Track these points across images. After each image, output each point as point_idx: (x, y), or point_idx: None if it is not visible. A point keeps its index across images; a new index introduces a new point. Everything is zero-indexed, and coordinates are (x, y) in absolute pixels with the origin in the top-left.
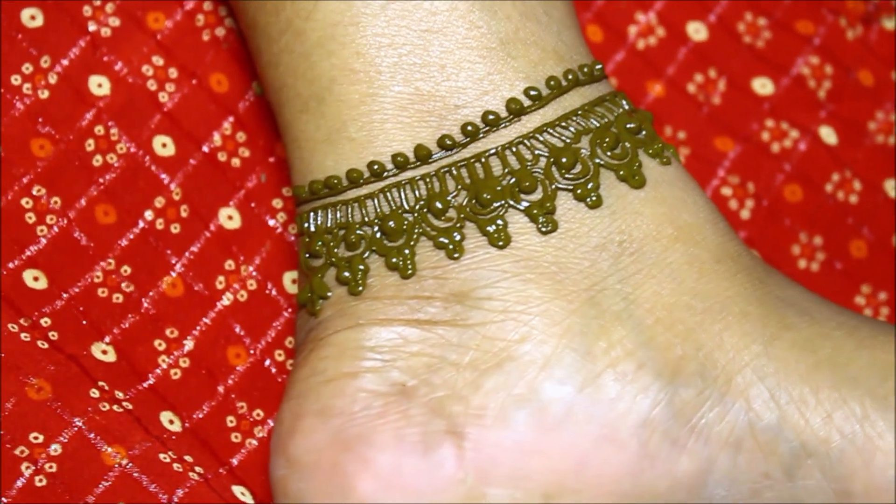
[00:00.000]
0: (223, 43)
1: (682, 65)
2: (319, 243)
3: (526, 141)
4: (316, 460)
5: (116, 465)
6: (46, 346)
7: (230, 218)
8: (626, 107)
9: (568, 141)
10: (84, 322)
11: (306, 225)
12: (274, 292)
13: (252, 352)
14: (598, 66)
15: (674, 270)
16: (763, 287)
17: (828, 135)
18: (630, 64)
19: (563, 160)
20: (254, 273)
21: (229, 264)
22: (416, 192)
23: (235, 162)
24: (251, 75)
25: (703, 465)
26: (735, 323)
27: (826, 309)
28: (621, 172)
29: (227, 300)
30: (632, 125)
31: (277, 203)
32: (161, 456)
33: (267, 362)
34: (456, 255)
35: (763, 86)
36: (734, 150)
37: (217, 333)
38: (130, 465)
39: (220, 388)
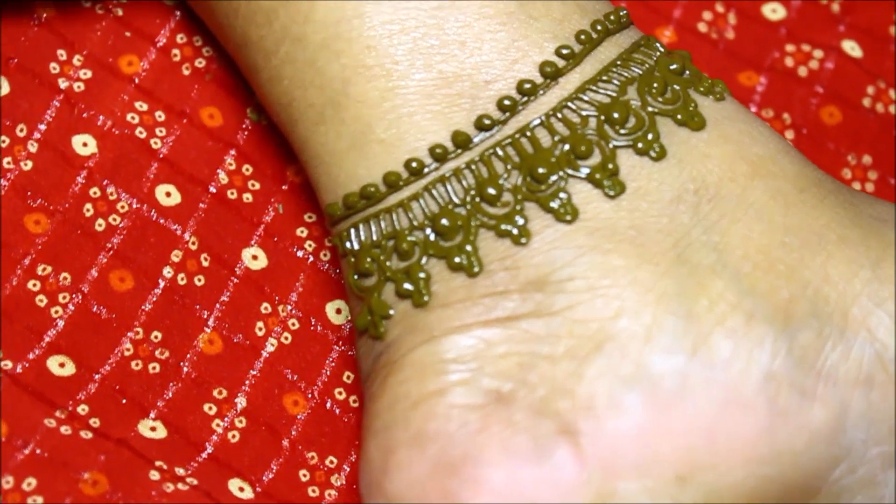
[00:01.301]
0: (206, 74)
1: (687, 5)
2: (368, 259)
3: (570, 103)
4: (421, 493)
5: None
6: (91, 435)
7: (255, 258)
8: (662, 49)
9: (614, 94)
10: (124, 401)
11: (348, 244)
12: (320, 328)
13: (310, 396)
14: (624, 12)
15: (759, 209)
16: (854, 208)
17: (852, 48)
18: (635, 14)
19: (615, 115)
20: (294, 311)
21: (265, 307)
22: (464, 183)
23: (247, 197)
24: (244, 102)
25: (837, 411)
26: (837, 252)
27: None
28: (679, 116)
29: (271, 346)
30: (675, 66)
31: (302, 232)
32: None
33: (328, 404)
34: (523, 241)
35: (774, 11)
36: (761, 83)
37: (269, 384)
38: None
39: (285, 442)
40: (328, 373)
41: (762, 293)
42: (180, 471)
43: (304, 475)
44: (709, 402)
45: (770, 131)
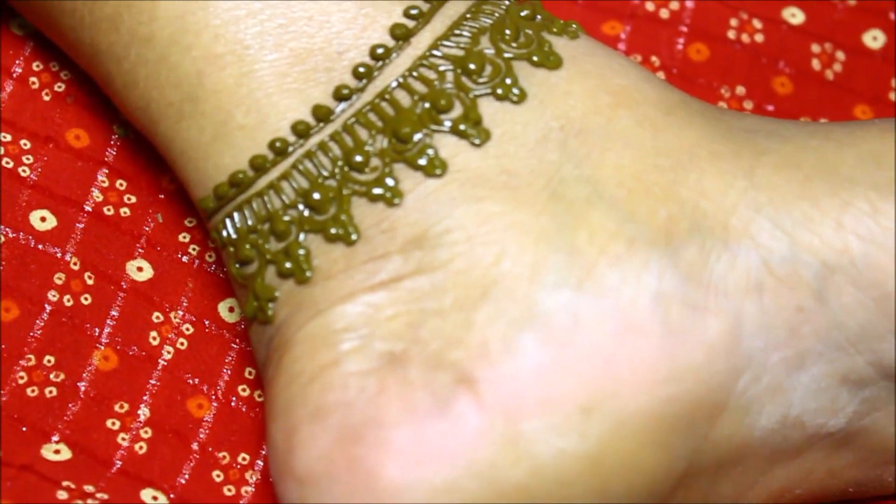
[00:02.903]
0: (67, 97)
1: None
2: (247, 246)
3: (425, 61)
4: (328, 466)
5: None
6: None
7: (140, 269)
8: None
9: (467, 46)
10: (24, 428)
11: (225, 234)
12: (214, 328)
13: (214, 397)
14: None
15: (627, 137)
16: (723, 123)
17: None
18: None
19: (471, 66)
20: (186, 316)
21: (157, 316)
22: (331, 154)
23: (125, 211)
24: (109, 119)
25: (731, 321)
26: (709, 167)
27: (791, 125)
28: (535, 58)
29: (168, 354)
30: (525, 12)
31: (185, 237)
32: None
33: (233, 402)
34: (396, 202)
35: None
36: (625, 31)
37: (170, 391)
38: None
39: (195, 446)
40: (229, 372)
41: (641, 217)
42: (89, 488)
43: (218, 476)
44: (602, 332)
45: (630, 62)
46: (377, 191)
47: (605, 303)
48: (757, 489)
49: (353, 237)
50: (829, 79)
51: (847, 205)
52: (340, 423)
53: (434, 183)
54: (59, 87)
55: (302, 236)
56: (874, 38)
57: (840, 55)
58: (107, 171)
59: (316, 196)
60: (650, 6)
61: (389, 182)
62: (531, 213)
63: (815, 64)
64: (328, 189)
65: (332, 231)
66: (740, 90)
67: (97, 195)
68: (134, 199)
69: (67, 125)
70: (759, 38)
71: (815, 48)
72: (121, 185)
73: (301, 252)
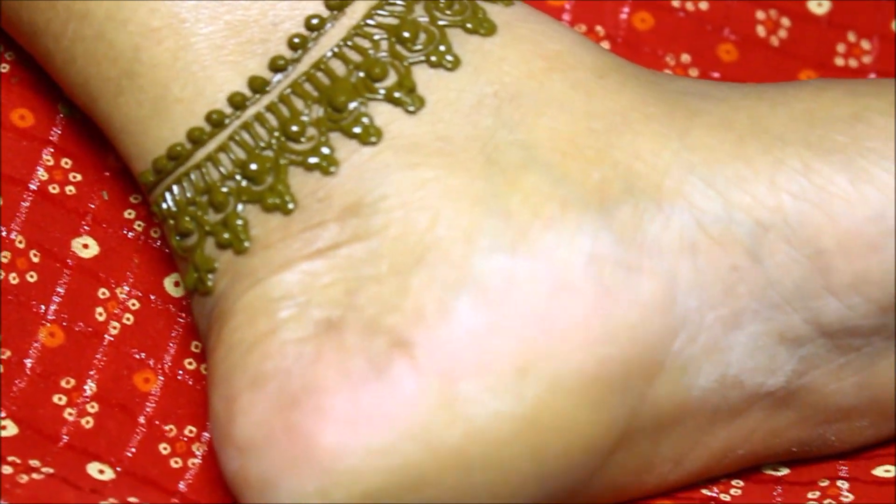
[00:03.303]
0: (12, 78)
1: None
2: (187, 218)
3: (359, 31)
4: (267, 433)
5: None
6: None
7: (86, 246)
8: None
9: (402, 14)
10: None
11: (165, 206)
12: (160, 303)
13: (160, 370)
14: None
15: (561, 101)
16: (656, 86)
17: None
18: None
19: (406, 34)
20: (132, 292)
21: (103, 292)
22: (267, 125)
23: (70, 189)
24: (54, 98)
25: (666, 281)
26: (643, 129)
27: (724, 87)
28: (469, 25)
29: (114, 329)
30: None
31: (130, 214)
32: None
33: (180, 375)
34: (332, 170)
35: None
36: (569, 1)
37: (117, 366)
38: None
39: (142, 419)
40: (175, 346)
41: (574, 179)
42: (35, 462)
43: (165, 448)
44: (537, 294)
45: (564, 27)
46: (313, 160)
47: (539, 265)
48: (699, 449)
49: (290, 206)
50: (774, 45)
51: (779, 163)
52: (278, 390)
53: (369, 150)
54: (4, 67)
55: (240, 207)
56: (819, 5)
57: (785, 21)
58: (52, 150)
59: (253, 167)
60: None
61: (325, 151)
62: (466, 179)
63: (761, 31)
64: (265, 159)
65: (270, 201)
66: (685, 58)
67: (42, 174)
68: (79, 178)
69: (12, 106)
70: (703, 6)
71: (760, 15)
72: (66, 163)
73: (239, 223)
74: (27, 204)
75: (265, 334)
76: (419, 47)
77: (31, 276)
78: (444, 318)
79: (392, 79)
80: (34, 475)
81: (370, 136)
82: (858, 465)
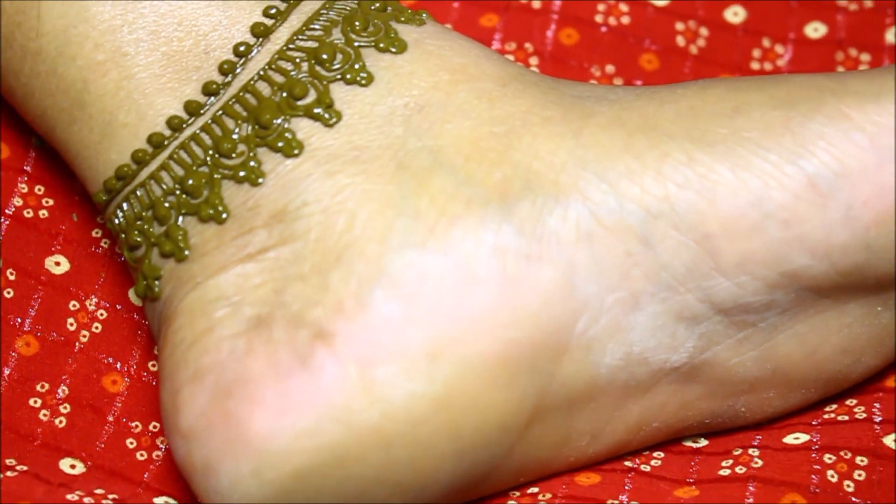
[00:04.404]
0: None
1: None
2: (135, 232)
3: (282, 55)
4: (206, 422)
5: None
6: None
7: (57, 264)
8: None
9: (320, 38)
10: None
11: (117, 222)
12: (125, 312)
13: (126, 373)
14: None
15: (465, 109)
16: (556, 92)
17: None
18: None
19: (324, 56)
20: (100, 303)
21: (74, 304)
22: (202, 144)
23: (43, 213)
24: (28, 132)
25: (564, 269)
26: (541, 130)
27: (620, 90)
28: (381, 45)
29: (84, 337)
30: (376, 5)
31: (97, 233)
32: (69, 497)
33: (144, 376)
34: (260, 181)
35: None
36: (500, 21)
37: (87, 370)
38: None
39: (110, 418)
40: (139, 350)
41: (477, 180)
42: (11, 461)
43: (131, 443)
44: (445, 285)
45: (471, 42)
46: (242, 173)
47: (447, 258)
48: (614, 423)
49: (224, 216)
50: (693, 53)
51: (665, 156)
52: (215, 382)
53: (292, 162)
54: None
55: (180, 219)
56: (735, 14)
57: (703, 31)
58: (26, 179)
59: (190, 182)
60: None
61: (253, 164)
62: (379, 184)
63: (680, 40)
64: (201, 175)
65: (206, 212)
66: (610, 69)
67: (17, 200)
68: (52, 202)
69: None
70: (625, 20)
71: (679, 26)
72: (39, 190)
73: (179, 234)
74: (4, 227)
75: (203, 332)
76: (336, 66)
77: (9, 293)
78: (361, 311)
79: (312, 96)
80: (8, 473)
81: (293, 149)
82: (772, 433)
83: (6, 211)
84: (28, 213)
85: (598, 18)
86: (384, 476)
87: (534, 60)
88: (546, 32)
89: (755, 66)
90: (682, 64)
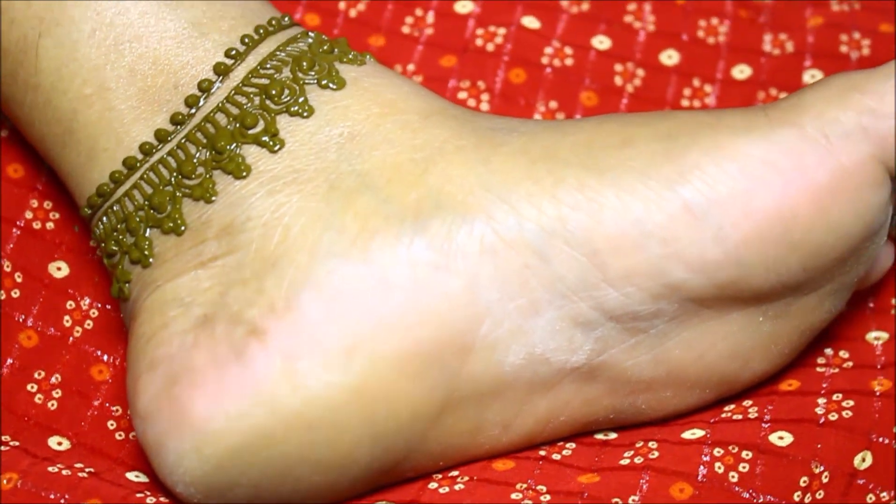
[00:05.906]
0: (6, 141)
1: (393, 11)
2: (112, 242)
3: (238, 90)
4: (157, 405)
5: (9, 490)
6: None
7: (59, 269)
8: (313, 37)
9: (271, 76)
10: None
11: (98, 233)
12: (114, 311)
13: (112, 364)
14: (286, 17)
15: (390, 139)
16: (471, 124)
17: (530, 22)
18: (346, 30)
19: (273, 91)
20: (93, 303)
21: (70, 304)
22: (168, 167)
23: (50, 225)
24: (39, 155)
25: (469, 279)
26: (455, 158)
27: (531, 123)
28: (323, 82)
29: (77, 333)
30: (325, 47)
31: (94, 243)
32: (50, 469)
33: None
34: (213, 199)
35: (464, 6)
36: (457, 62)
37: (78, 361)
38: (23, 483)
39: (96, 402)
40: (124, 345)
41: (396, 199)
42: (6, 437)
43: (112, 424)
44: (363, 289)
45: (404, 80)
46: (199, 192)
47: (366, 266)
48: (523, 416)
49: (182, 229)
50: (629, 91)
51: (561, 181)
52: (166, 371)
53: (240, 183)
54: (4, 133)
55: (147, 231)
56: (669, 57)
57: (640, 72)
58: (37, 195)
59: (157, 199)
60: (479, 42)
61: (208, 185)
62: (312, 201)
63: (618, 80)
64: (166, 194)
65: (167, 225)
66: (553, 104)
67: (28, 214)
68: (58, 216)
69: (8, 161)
70: (569, 62)
71: (618, 67)
72: (47, 205)
73: (146, 244)
74: (16, 237)
75: (159, 328)
76: (284, 100)
77: (15, 293)
78: (289, 311)
79: (261, 126)
80: (2, 448)
81: (242, 171)
82: (673, 429)
83: (17, 223)
84: (37, 224)
85: (545, 60)
86: (307, 455)
87: (485, 97)
88: (497, 72)
89: (685, 102)
90: (618, 101)
